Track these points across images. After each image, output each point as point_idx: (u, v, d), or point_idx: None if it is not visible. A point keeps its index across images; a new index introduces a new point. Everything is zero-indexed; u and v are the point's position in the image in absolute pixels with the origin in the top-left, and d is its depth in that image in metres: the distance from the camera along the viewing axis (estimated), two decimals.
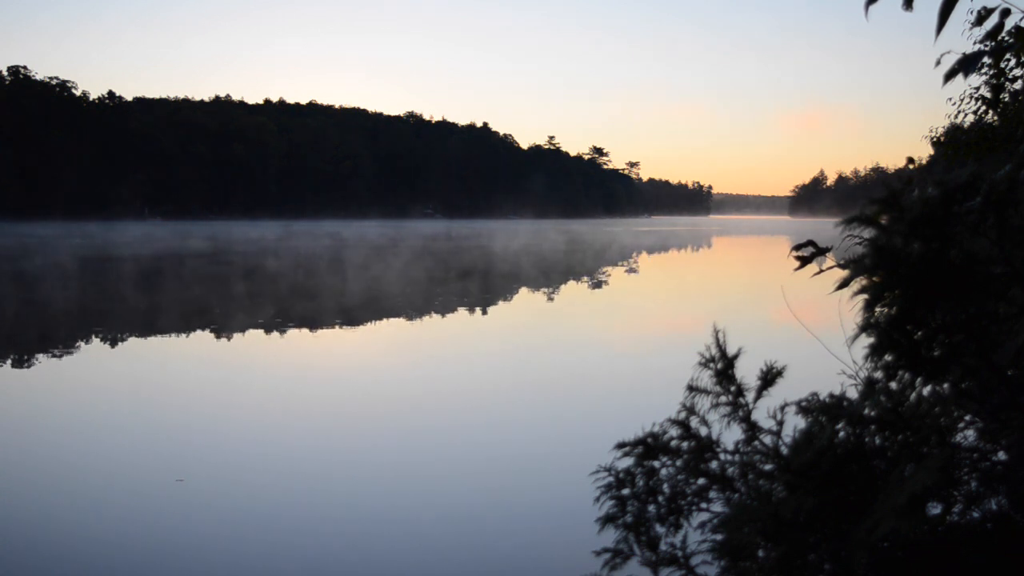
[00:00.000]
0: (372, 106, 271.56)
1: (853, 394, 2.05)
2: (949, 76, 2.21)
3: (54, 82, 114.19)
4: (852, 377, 2.28)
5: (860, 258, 1.78)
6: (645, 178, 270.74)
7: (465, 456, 8.33)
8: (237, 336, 16.74)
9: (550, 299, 25.63)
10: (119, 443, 8.70)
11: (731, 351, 2.24)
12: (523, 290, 28.28)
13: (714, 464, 2.19)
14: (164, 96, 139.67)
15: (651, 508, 2.22)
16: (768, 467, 2.06)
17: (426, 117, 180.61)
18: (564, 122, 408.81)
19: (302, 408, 10.30)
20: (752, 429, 2.14)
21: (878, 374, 1.85)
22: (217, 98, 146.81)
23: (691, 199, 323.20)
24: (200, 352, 15.00)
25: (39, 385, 11.92)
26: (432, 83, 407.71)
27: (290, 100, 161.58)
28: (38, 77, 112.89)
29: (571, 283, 32.08)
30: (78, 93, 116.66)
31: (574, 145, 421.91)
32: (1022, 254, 1.72)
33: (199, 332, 17.58)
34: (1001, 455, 1.95)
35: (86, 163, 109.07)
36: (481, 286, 28.78)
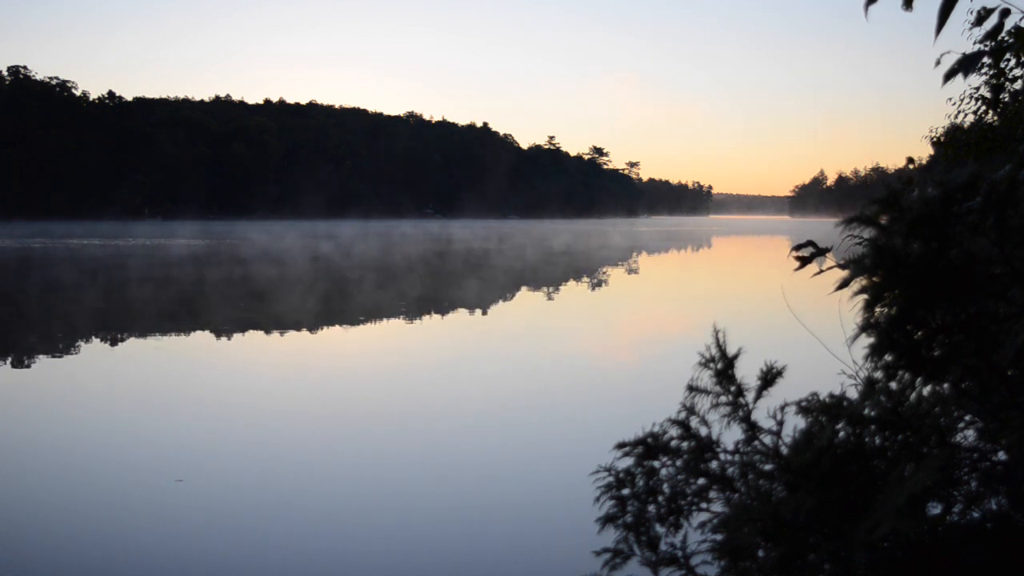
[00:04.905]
0: (372, 106, 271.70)
1: (853, 394, 2.05)
2: (949, 76, 2.21)
3: (54, 82, 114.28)
4: (852, 377, 2.28)
5: (860, 258, 1.78)
6: (645, 178, 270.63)
7: (465, 456, 8.33)
8: (238, 336, 16.74)
9: (550, 299, 25.64)
10: (119, 443, 8.70)
11: (731, 351, 2.24)
12: (523, 290, 28.29)
13: (714, 464, 2.19)
14: (164, 96, 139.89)
15: (651, 508, 2.22)
16: (768, 467, 2.06)
17: (426, 117, 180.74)
18: (564, 122, 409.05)
19: (302, 409, 10.30)
20: (752, 429, 2.14)
21: (878, 374, 1.85)
22: (217, 98, 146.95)
23: (691, 199, 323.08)
24: (200, 352, 15.01)
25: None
26: (432, 83, 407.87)
27: (290, 100, 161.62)
28: (38, 77, 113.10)
29: (571, 283, 32.09)
30: (78, 93, 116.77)
31: (574, 145, 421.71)
32: (1022, 254, 1.72)
33: (198, 332, 17.59)
34: (1001, 455, 1.95)
35: (86, 163, 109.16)
36: (482, 286, 28.79)
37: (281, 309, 21.30)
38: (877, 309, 1.78)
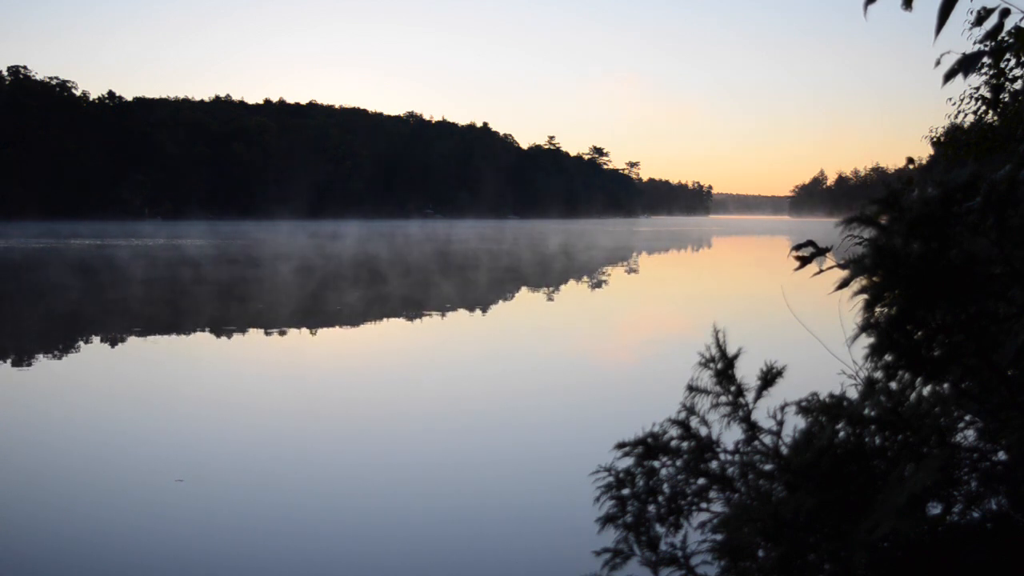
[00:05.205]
0: (372, 106, 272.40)
1: (853, 394, 2.05)
2: (949, 76, 2.21)
3: (54, 82, 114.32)
4: (852, 377, 2.28)
5: (860, 258, 1.78)
6: (645, 178, 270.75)
7: (465, 456, 8.33)
8: (239, 336, 16.74)
9: (550, 299, 25.63)
10: (119, 443, 8.70)
11: (731, 351, 2.24)
12: (523, 290, 28.28)
13: (714, 464, 2.19)
14: (164, 96, 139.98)
15: (651, 508, 2.22)
16: (768, 467, 2.07)
17: (426, 117, 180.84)
18: (564, 122, 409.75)
19: (303, 409, 10.30)
20: (752, 429, 2.14)
21: (878, 374, 1.85)
22: (217, 98, 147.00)
23: (691, 199, 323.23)
24: (200, 351, 15.01)
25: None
26: (432, 83, 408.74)
27: (290, 100, 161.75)
28: (38, 77, 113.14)
29: (571, 283, 32.08)
30: (78, 93, 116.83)
31: (574, 145, 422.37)
32: (1022, 254, 1.72)
33: (199, 332, 17.58)
34: (1001, 455, 1.95)
35: (86, 163, 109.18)
36: (482, 286, 28.79)
37: (285, 308, 21.31)
38: (877, 309, 1.78)
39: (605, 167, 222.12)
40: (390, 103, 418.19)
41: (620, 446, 2.29)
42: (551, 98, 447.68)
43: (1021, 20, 2.86)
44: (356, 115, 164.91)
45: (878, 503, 1.72)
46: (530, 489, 7.30)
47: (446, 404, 10.60)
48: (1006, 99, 8.26)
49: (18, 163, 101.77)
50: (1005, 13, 2.33)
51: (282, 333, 17.21)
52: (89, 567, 5.67)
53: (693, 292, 29.07)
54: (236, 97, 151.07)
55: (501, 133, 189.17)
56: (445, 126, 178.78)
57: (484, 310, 21.93)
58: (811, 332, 3.06)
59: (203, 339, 16.62)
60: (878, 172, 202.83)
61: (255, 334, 17.19)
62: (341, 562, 5.80)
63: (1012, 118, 7.91)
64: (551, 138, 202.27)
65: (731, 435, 2.18)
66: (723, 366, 2.22)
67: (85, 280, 29.63)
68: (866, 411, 1.92)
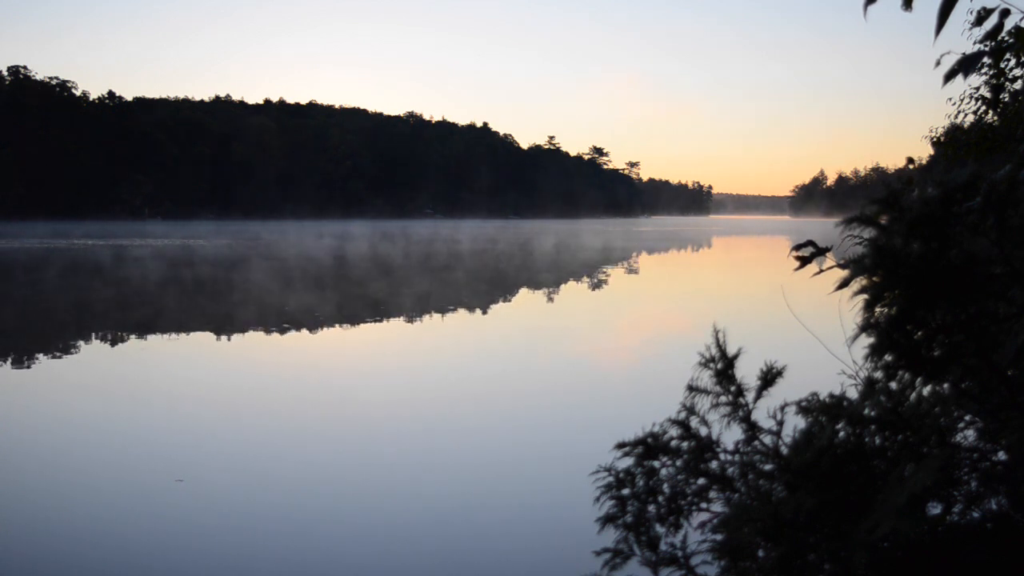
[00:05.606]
0: (372, 106, 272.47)
1: (853, 394, 2.05)
2: (949, 76, 2.21)
3: (54, 82, 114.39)
4: (852, 377, 2.28)
5: (860, 258, 1.78)
6: (645, 178, 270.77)
7: (466, 456, 8.33)
8: (240, 336, 16.74)
9: (550, 299, 25.63)
10: (119, 443, 8.70)
11: (731, 351, 2.24)
12: (523, 289, 28.27)
13: (714, 464, 2.19)
14: (164, 96, 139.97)
15: (651, 508, 2.22)
16: (768, 467, 2.06)
17: (426, 117, 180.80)
18: (564, 122, 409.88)
19: (303, 409, 10.30)
20: (752, 429, 2.14)
21: (878, 374, 1.85)
22: (217, 98, 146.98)
23: (691, 199, 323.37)
24: (200, 351, 15.00)
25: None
26: (432, 83, 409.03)
27: (290, 100, 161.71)
28: (38, 77, 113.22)
29: (571, 283, 32.07)
30: (78, 93, 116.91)
31: (574, 145, 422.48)
32: (1022, 254, 1.72)
33: (200, 331, 17.58)
34: (1001, 455, 1.95)
35: (86, 163, 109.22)
36: (482, 286, 28.78)
37: (288, 308, 21.30)
38: (877, 309, 1.78)
39: (605, 167, 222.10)
40: (390, 103, 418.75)
41: (620, 446, 2.29)
42: (551, 98, 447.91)
43: (1021, 20, 2.86)
44: (356, 115, 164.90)
45: (878, 503, 1.72)
46: (530, 489, 7.30)
47: (446, 404, 10.60)
48: (1006, 99, 8.26)
49: (18, 163, 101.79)
50: (1005, 13, 2.33)
51: (283, 332, 17.22)
52: (89, 567, 5.67)
53: (693, 292, 29.07)
54: (236, 97, 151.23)
55: (501, 133, 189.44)
56: (445, 126, 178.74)
57: (484, 310, 21.93)
58: (811, 332, 3.06)
59: (209, 338, 16.62)
60: (878, 172, 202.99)
61: (258, 334, 17.19)
62: (341, 562, 5.80)
63: (1012, 118, 7.91)
64: (551, 138, 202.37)
65: (731, 435, 2.18)
66: (723, 366, 2.22)
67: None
68: (866, 411, 1.92)
